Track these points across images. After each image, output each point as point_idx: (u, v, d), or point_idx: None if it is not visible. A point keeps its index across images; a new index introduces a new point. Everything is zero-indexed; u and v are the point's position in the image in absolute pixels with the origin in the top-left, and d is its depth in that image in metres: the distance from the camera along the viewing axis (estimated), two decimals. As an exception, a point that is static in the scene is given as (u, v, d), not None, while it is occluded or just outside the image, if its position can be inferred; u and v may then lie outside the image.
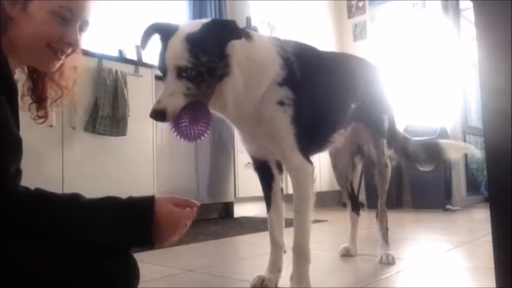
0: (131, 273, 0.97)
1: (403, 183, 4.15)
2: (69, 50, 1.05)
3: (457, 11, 4.70)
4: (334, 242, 2.13)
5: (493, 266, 0.72)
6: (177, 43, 1.13)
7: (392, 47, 4.74)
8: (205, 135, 1.17)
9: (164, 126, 3.25)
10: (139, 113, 2.95)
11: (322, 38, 4.94)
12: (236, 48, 1.20)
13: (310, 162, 1.34)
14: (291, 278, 1.30)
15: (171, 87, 1.12)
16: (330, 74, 1.51)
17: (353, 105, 1.63)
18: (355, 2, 5.20)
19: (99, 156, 2.78)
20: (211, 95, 1.19)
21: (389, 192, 1.88)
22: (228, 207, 3.74)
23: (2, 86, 0.90)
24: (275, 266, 1.44)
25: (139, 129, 2.98)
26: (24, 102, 1.10)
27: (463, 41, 4.69)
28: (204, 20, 1.19)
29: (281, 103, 1.28)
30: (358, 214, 1.96)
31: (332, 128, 1.55)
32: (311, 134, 1.37)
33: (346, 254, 1.89)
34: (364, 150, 1.85)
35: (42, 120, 1.14)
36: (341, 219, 3.20)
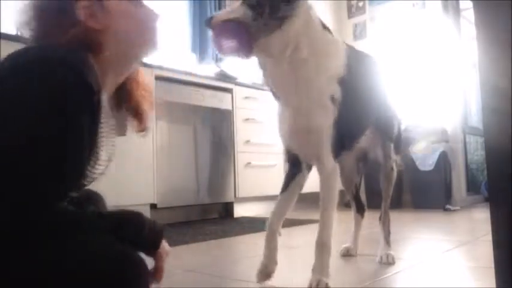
0: (131, 273, 0.97)
1: (403, 183, 4.15)
2: None
3: (457, 11, 4.70)
4: (335, 242, 2.12)
5: (493, 266, 0.72)
6: None
7: (392, 47, 4.74)
8: (235, 54, 1.21)
9: (164, 126, 3.27)
10: (139, 113, 2.94)
11: (322, 38, 4.93)
12: (313, 19, 1.33)
13: (337, 165, 1.37)
14: (313, 269, 1.33)
15: (231, 8, 1.21)
16: (367, 75, 1.54)
17: (377, 106, 1.65)
18: (355, 2, 5.20)
19: (99, 156, 2.78)
20: (263, 34, 1.20)
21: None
22: (228, 207, 3.74)
23: (88, 109, 0.90)
24: (272, 254, 1.45)
25: (140, 129, 2.97)
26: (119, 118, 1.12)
27: (463, 41, 4.69)
28: None
29: (332, 99, 1.30)
30: (362, 216, 1.96)
31: (363, 130, 1.58)
32: (346, 138, 1.40)
33: (347, 254, 1.89)
34: (368, 157, 1.86)
35: (143, 133, 1.19)
36: (342, 219, 3.18)
